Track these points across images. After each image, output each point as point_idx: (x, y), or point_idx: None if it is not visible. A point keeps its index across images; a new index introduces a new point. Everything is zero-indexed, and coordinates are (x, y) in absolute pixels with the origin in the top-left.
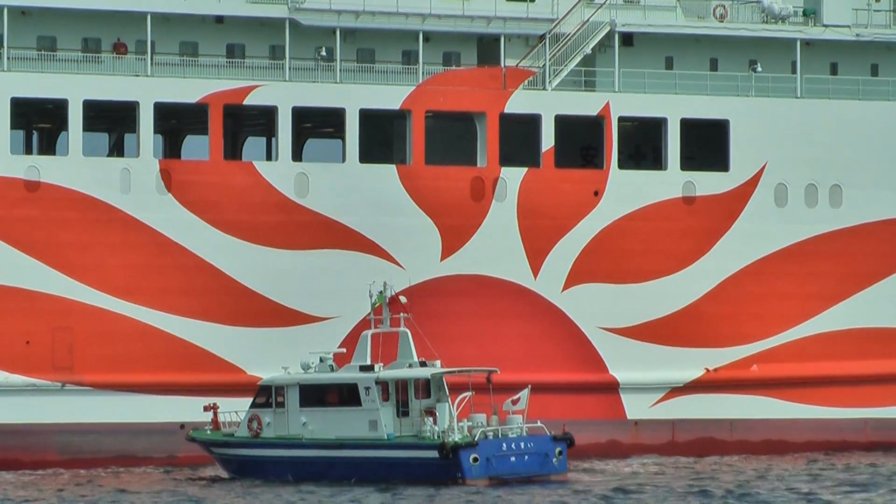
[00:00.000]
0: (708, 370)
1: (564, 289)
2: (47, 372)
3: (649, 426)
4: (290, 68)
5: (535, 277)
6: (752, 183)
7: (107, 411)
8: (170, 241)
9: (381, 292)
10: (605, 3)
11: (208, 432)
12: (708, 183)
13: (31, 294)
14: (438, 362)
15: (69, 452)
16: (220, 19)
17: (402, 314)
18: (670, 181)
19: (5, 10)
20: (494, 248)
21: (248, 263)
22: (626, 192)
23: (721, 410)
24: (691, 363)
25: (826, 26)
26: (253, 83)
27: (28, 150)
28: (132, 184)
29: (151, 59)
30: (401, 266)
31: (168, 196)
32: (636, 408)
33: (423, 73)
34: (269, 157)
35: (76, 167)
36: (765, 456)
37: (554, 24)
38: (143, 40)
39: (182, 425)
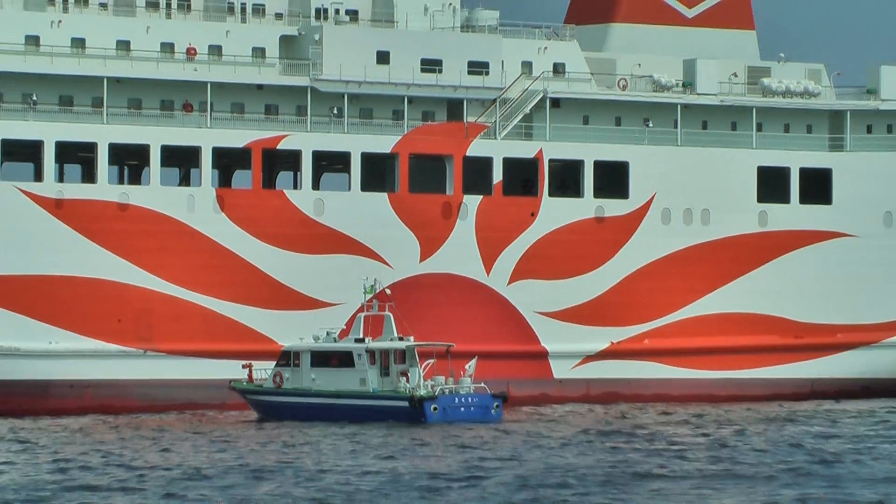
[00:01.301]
0: (612, 343)
1: (509, 283)
2: (133, 342)
3: (570, 383)
4: (310, 122)
5: (488, 275)
6: (645, 207)
7: (175, 371)
8: (222, 248)
9: (371, 286)
10: (539, 76)
11: (245, 384)
12: (613, 207)
13: (122, 285)
14: (412, 338)
15: (147, 400)
16: (260, 86)
17: (386, 303)
18: (586, 206)
19: (105, 81)
20: (458, 254)
21: (279, 263)
22: (554, 213)
23: (622, 372)
24: (600, 338)
25: (699, 94)
26: (284, 133)
27: (121, 181)
28: (196, 205)
29: (210, 115)
30: (390, 266)
31: (222, 214)
32: (560, 370)
33: (407, 126)
34: (295, 187)
35: (155, 193)
36: (651, 404)
37: (502, 92)
38: (204, 101)
39: (230, 382)
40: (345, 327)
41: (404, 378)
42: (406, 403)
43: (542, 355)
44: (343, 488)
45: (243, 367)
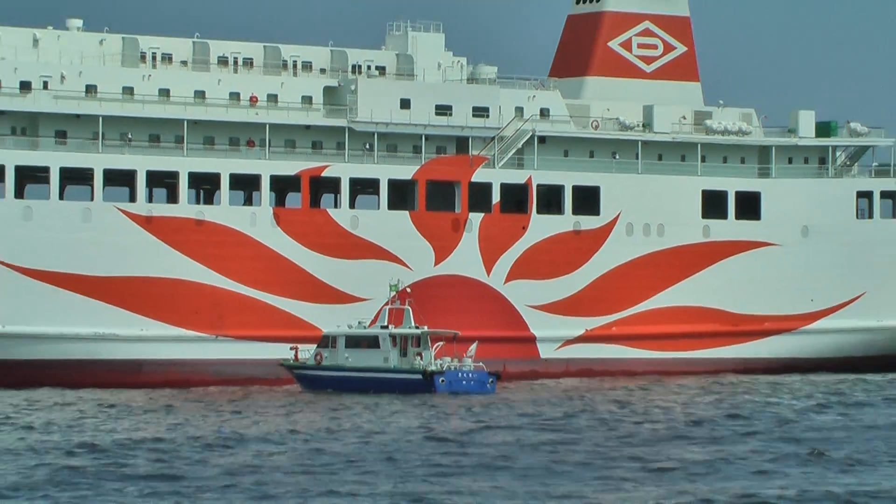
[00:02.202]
0: (587, 330)
1: (505, 282)
2: (207, 329)
3: (553, 362)
4: (348, 155)
5: (488, 276)
6: (613, 222)
7: (239, 352)
8: (277, 254)
9: (395, 285)
10: (529, 118)
11: (292, 362)
12: (587, 222)
13: (198, 284)
14: (426, 326)
15: (218, 376)
16: (307, 127)
17: (406, 299)
18: (566, 221)
19: (186, 123)
20: (465, 259)
21: (321, 266)
22: (541, 227)
23: (595, 353)
24: (577, 326)
25: (656, 133)
26: (326, 164)
27: (197, 202)
28: (257, 221)
29: (268, 149)
30: (410, 269)
31: (277, 228)
32: (546, 351)
33: (424, 158)
34: (335, 206)
35: (225, 212)
36: (611, 377)
37: (499, 131)
38: (263, 139)
39: (280, 361)
40: (372, 318)
41: (419, 357)
42: (420, 377)
43: (531, 340)
44: (379, 437)
45: (290, 349)
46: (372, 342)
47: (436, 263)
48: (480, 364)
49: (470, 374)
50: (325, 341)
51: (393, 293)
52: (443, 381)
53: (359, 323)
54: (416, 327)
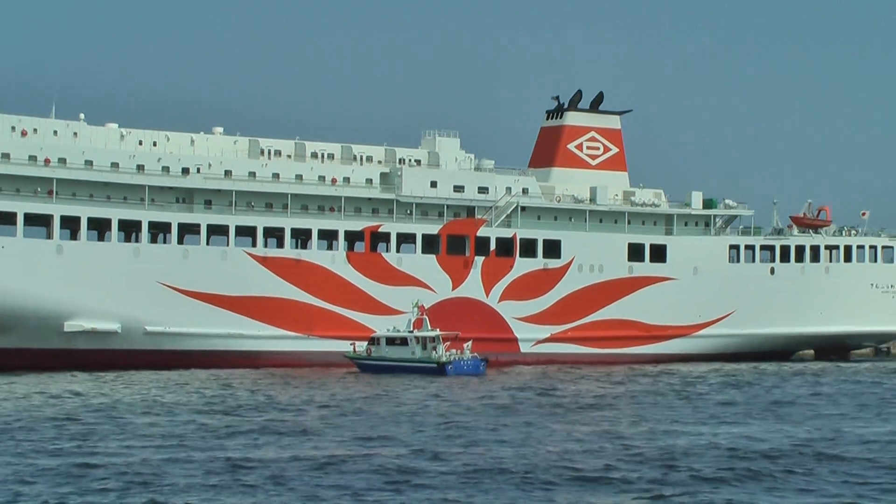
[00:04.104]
0: (552, 334)
1: (498, 302)
2: (302, 331)
3: (529, 355)
4: (395, 217)
5: (487, 297)
6: (569, 263)
7: (322, 346)
8: (349, 283)
9: (415, 303)
10: (514, 195)
11: (351, 353)
12: (553, 263)
13: (297, 301)
14: (438, 329)
15: (308, 361)
16: (369, 199)
17: (424, 312)
18: (538, 262)
19: (289, 196)
20: (471, 287)
21: (377, 290)
22: (522, 266)
23: (558, 349)
24: (546, 331)
25: (598, 205)
26: (381, 223)
27: (296, 247)
28: (335, 260)
29: (343, 213)
30: (436, 292)
31: (349, 265)
32: (524, 348)
33: (445, 220)
34: (386, 251)
35: (314, 254)
36: (567, 365)
37: (495, 203)
38: (340, 206)
39: (344, 353)
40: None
41: (435, 351)
42: (435, 365)
43: (515, 340)
44: (413, 408)
45: (350, 345)
46: (403, 341)
47: (452, 289)
48: (475, 354)
49: (469, 362)
50: (373, 340)
51: (415, 309)
52: (451, 367)
53: (394, 328)
54: (432, 330)
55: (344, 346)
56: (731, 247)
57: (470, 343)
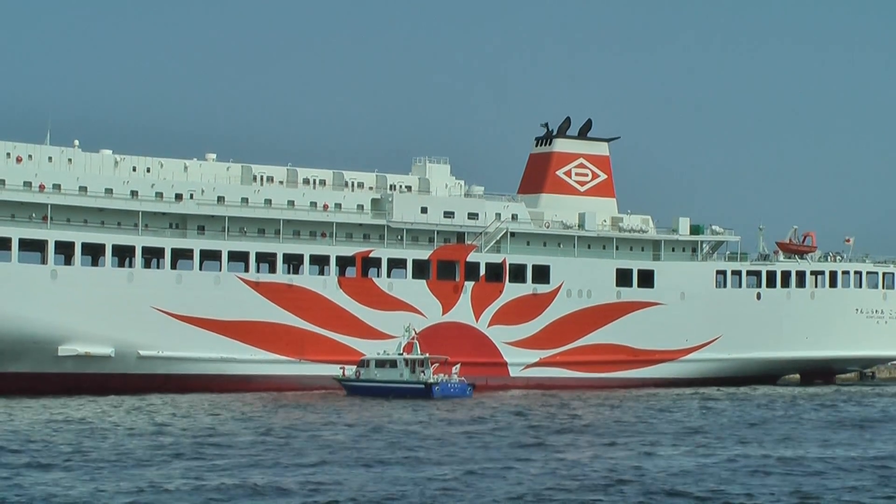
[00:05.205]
0: (541, 358)
1: (488, 326)
2: (294, 355)
3: (518, 379)
4: (386, 243)
5: (477, 322)
6: (558, 288)
7: (312, 370)
8: (340, 307)
9: (407, 327)
10: (504, 220)
11: (340, 377)
12: (542, 288)
13: (289, 326)
14: (427, 353)
15: (299, 385)
16: (360, 224)
17: (415, 336)
18: (528, 287)
19: (282, 221)
20: (461, 311)
21: (368, 315)
22: (512, 291)
23: (546, 373)
24: (534, 355)
25: (587, 230)
26: (372, 248)
27: (288, 272)
28: (326, 285)
29: (335, 238)
30: (426, 317)
31: (340, 290)
32: (514, 372)
33: (436, 245)
34: (377, 276)
35: (305, 279)
36: (557, 390)
37: (485, 228)
38: (332, 232)
39: (333, 377)
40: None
41: (423, 374)
42: (423, 386)
43: (504, 364)
44: (402, 427)
45: (340, 368)
46: (392, 363)
47: (443, 314)
48: (462, 378)
49: (455, 385)
50: (363, 363)
51: (407, 333)
52: (437, 388)
53: (384, 352)
54: (421, 354)
55: (336, 371)
56: (718, 272)
57: (458, 367)
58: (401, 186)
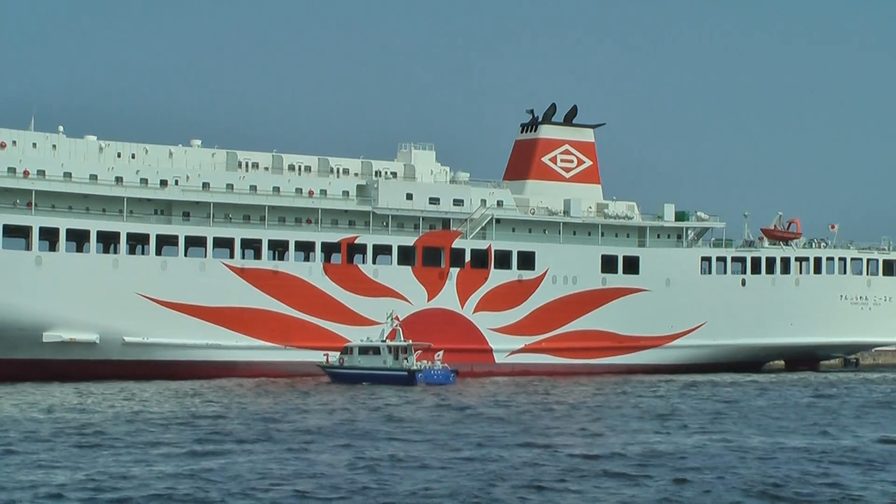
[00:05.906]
0: (526, 345)
1: (473, 313)
2: (279, 341)
3: (504, 366)
4: (372, 229)
5: (462, 308)
6: (543, 275)
7: (298, 356)
8: (325, 294)
9: (390, 314)
10: (489, 207)
11: (324, 363)
12: (527, 275)
13: (274, 312)
14: (410, 340)
15: (285, 371)
16: (346, 210)
17: (398, 322)
18: (513, 274)
19: (267, 207)
20: (447, 298)
21: (353, 301)
22: (497, 277)
23: (531, 360)
24: (519, 342)
25: (572, 216)
26: (357, 234)
27: (273, 259)
28: (312, 271)
29: (320, 225)
30: (412, 304)
31: (326, 277)
32: (499, 358)
33: (421, 231)
34: (363, 263)
35: (291, 266)
36: (548, 377)
37: (470, 215)
38: (317, 218)
39: (317, 363)
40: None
41: (406, 360)
42: (406, 374)
43: (489, 351)
44: (392, 409)
45: (323, 355)
46: (376, 350)
47: (428, 300)
48: (445, 365)
49: (438, 372)
50: (346, 350)
51: (389, 320)
52: (421, 375)
53: (367, 338)
54: (404, 340)
55: (318, 356)
56: (703, 259)
57: (441, 353)
58: (386, 173)
